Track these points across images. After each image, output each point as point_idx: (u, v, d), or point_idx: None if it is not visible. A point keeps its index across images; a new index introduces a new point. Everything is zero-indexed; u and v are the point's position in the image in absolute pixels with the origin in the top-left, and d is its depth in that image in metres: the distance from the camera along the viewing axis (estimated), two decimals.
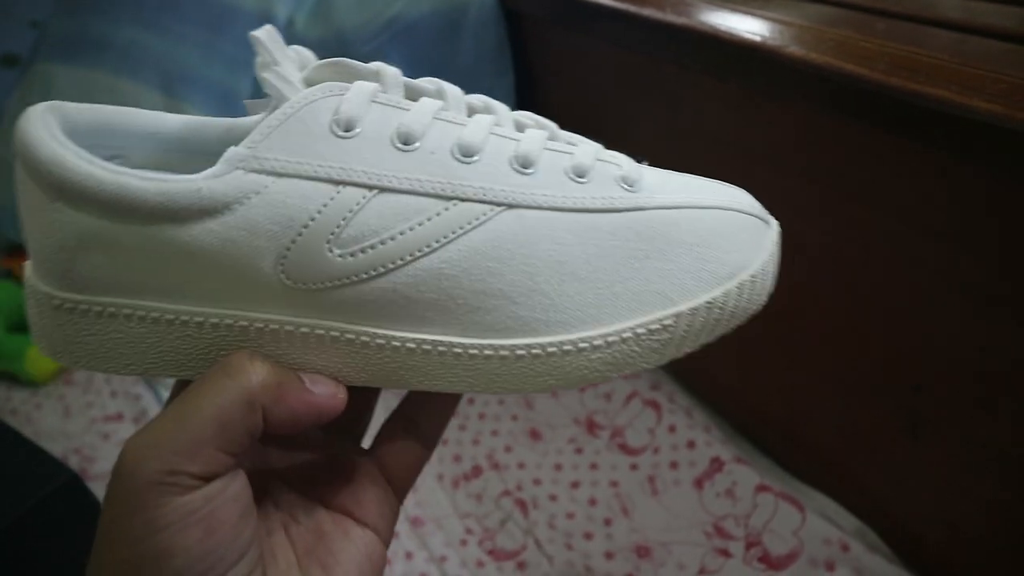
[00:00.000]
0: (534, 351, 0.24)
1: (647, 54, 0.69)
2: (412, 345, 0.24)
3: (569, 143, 0.28)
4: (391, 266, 0.23)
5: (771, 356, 0.72)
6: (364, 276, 0.23)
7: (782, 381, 0.72)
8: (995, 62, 0.49)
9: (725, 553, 0.67)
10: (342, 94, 0.24)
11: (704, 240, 0.26)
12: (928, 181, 0.53)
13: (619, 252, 0.25)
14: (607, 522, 0.71)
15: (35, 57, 0.95)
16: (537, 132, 0.27)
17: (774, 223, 0.31)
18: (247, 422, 0.23)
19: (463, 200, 0.24)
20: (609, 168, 0.27)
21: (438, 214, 0.23)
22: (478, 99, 0.28)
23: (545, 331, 0.24)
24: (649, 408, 0.80)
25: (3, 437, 0.61)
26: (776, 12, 0.61)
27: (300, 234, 0.23)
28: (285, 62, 0.26)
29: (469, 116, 0.26)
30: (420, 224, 0.23)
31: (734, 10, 0.62)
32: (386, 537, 0.28)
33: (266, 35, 0.26)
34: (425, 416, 0.29)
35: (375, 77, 0.26)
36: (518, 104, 0.89)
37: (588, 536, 0.70)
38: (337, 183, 0.23)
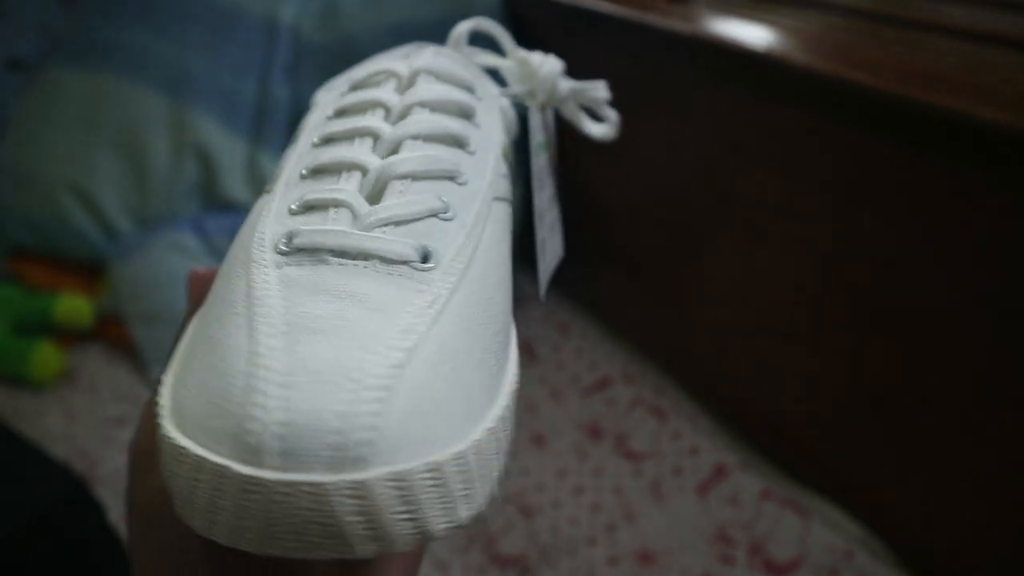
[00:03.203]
0: None
1: (654, 62, 0.69)
2: None
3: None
4: None
5: (775, 363, 0.72)
6: None
7: (787, 388, 0.72)
8: (1002, 70, 0.49)
9: (729, 559, 0.67)
10: None
11: None
12: (935, 189, 0.53)
13: None
14: (610, 528, 0.71)
15: (42, 61, 0.95)
16: None
17: None
18: None
19: None
20: None
21: None
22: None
23: None
24: (653, 414, 0.80)
25: (7, 440, 0.61)
26: (782, 19, 0.61)
27: None
28: None
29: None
30: None
31: (740, 18, 0.62)
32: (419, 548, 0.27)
33: None
34: None
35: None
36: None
37: (591, 542, 0.70)
38: None
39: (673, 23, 0.63)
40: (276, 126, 0.92)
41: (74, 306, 0.87)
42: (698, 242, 0.76)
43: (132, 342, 0.87)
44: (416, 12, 0.88)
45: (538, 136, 0.30)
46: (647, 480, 0.75)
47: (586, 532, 0.71)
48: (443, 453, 0.15)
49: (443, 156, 0.22)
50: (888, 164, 0.55)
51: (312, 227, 0.19)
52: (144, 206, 0.91)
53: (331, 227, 0.19)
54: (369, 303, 0.17)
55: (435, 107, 0.24)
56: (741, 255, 0.71)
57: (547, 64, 0.32)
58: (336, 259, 0.18)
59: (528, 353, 0.91)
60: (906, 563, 0.63)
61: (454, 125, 0.23)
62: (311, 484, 0.14)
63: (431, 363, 0.16)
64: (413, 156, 0.22)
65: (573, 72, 0.33)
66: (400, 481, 0.14)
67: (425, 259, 0.19)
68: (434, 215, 0.20)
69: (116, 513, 0.70)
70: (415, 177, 0.21)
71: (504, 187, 0.25)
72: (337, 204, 0.20)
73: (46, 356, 0.84)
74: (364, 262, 0.18)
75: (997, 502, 0.56)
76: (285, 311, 0.17)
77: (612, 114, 0.35)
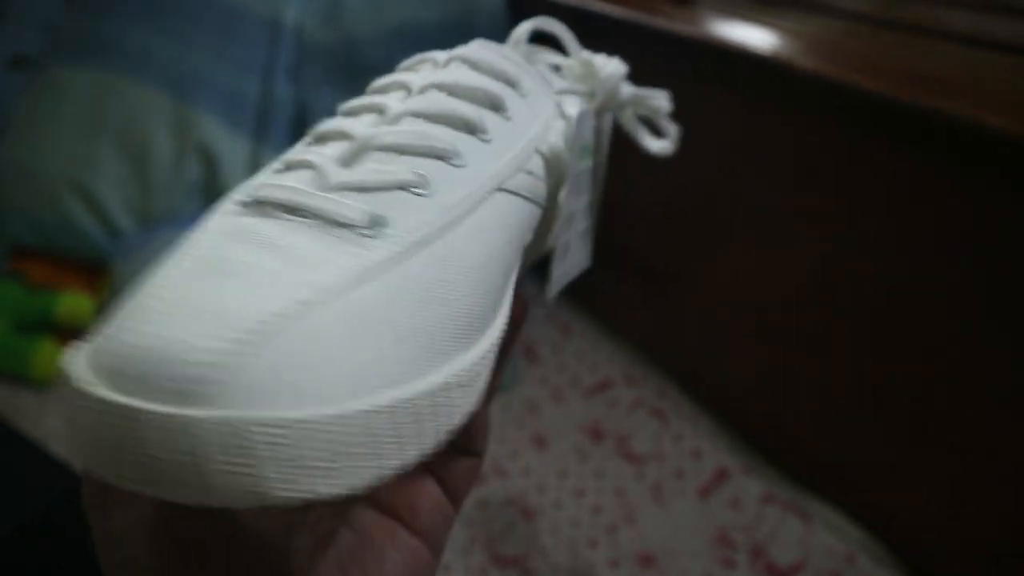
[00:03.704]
0: None
1: (658, 64, 0.69)
2: None
3: None
4: None
5: (779, 366, 0.72)
6: None
7: (789, 391, 0.72)
8: (1006, 76, 0.49)
9: (730, 563, 0.67)
10: None
11: None
12: (938, 193, 0.53)
13: None
14: (612, 530, 0.71)
15: (45, 59, 0.95)
16: None
17: None
18: None
19: None
20: None
21: None
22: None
23: None
24: (655, 416, 0.80)
25: (9, 439, 0.61)
26: (786, 24, 0.61)
27: None
28: None
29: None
30: None
31: (744, 21, 0.62)
32: (436, 548, 0.27)
33: None
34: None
35: None
36: None
37: (593, 544, 0.70)
38: None
39: (677, 26, 0.63)
40: (279, 126, 0.92)
41: (76, 304, 0.87)
42: (701, 244, 0.76)
43: None
44: (420, 13, 0.88)
45: (585, 139, 0.29)
46: (648, 482, 0.75)
47: (587, 534, 0.71)
48: (296, 413, 0.14)
49: (440, 136, 0.22)
50: (891, 168, 0.55)
51: (273, 183, 0.20)
52: (146, 205, 0.91)
53: (288, 183, 0.19)
54: (292, 256, 0.17)
55: (453, 91, 0.24)
56: (744, 257, 0.71)
57: (610, 65, 0.31)
58: (285, 214, 0.19)
59: (529, 354, 0.91)
60: (908, 567, 0.63)
61: (468, 111, 0.23)
62: (153, 414, 0.13)
63: (326, 322, 0.16)
64: (400, 130, 0.22)
65: None
66: (232, 428, 0.14)
67: (374, 226, 0.19)
68: (404, 188, 0.20)
69: None
70: (399, 150, 0.21)
71: (526, 184, 0.25)
72: (308, 165, 0.21)
73: (47, 355, 0.84)
74: (310, 220, 0.18)
75: (999, 507, 0.56)
76: (207, 252, 0.17)
77: (672, 128, 0.35)
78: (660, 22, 0.64)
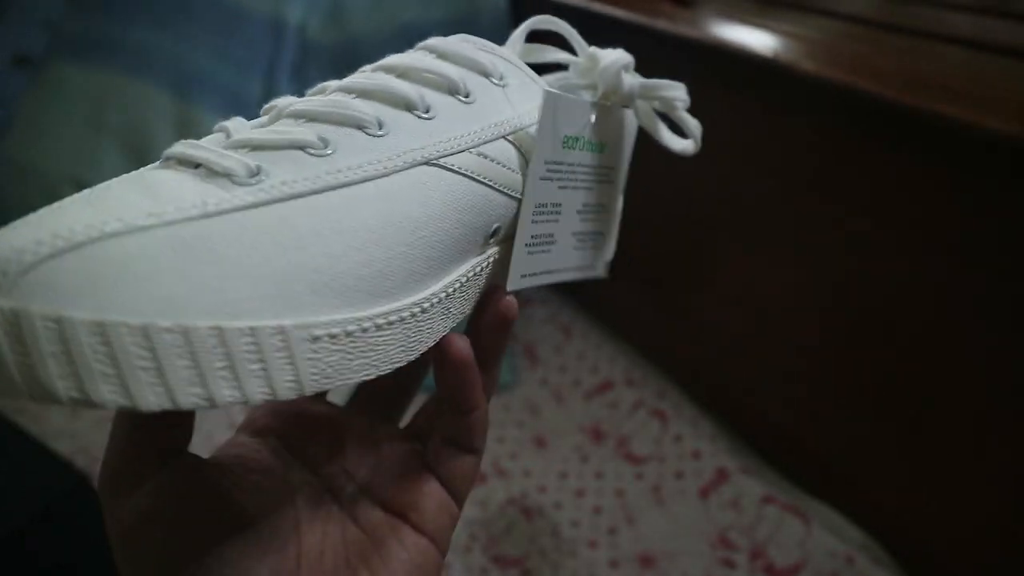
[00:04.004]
0: None
1: (659, 66, 0.69)
2: None
3: None
4: None
5: (778, 367, 0.72)
6: None
7: (789, 392, 0.72)
8: (1007, 80, 0.50)
9: (730, 564, 0.67)
10: None
11: None
12: (939, 197, 0.54)
13: None
14: (612, 531, 0.71)
15: (47, 58, 0.95)
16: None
17: None
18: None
19: None
20: None
21: None
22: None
23: None
24: (655, 417, 0.80)
25: (11, 436, 0.61)
26: (789, 26, 0.61)
27: None
28: None
29: None
30: None
31: (746, 24, 0.62)
32: (443, 546, 0.28)
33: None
34: (466, 426, 0.28)
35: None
36: None
37: (593, 544, 0.70)
38: None
39: (678, 27, 0.64)
40: None
41: None
42: (702, 246, 0.76)
43: None
44: (422, 14, 0.88)
45: (567, 128, 0.28)
46: (648, 483, 0.75)
47: (587, 534, 0.71)
48: (80, 313, 0.15)
49: (359, 108, 0.23)
50: (891, 170, 0.56)
51: (185, 142, 0.21)
52: None
53: (195, 142, 0.22)
54: (156, 193, 0.19)
55: (402, 72, 0.26)
56: (745, 260, 0.71)
57: (611, 55, 0.31)
58: (180, 166, 0.20)
59: (530, 355, 0.91)
60: (907, 568, 0.63)
61: (406, 89, 0.24)
62: None
63: (146, 244, 0.17)
64: (315, 99, 0.24)
65: None
66: (16, 318, 0.15)
67: (251, 176, 0.20)
68: (299, 147, 0.22)
69: None
70: (309, 117, 0.23)
71: (477, 166, 0.25)
72: (222, 128, 0.23)
73: None
74: (194, 169, 0.20)
75: (999, 508, 0.56)
76: (95, 190, 0.19)
77: (692, 123, 0.33)
78: (661, 24, 0.64)
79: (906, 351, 0.59)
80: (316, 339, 0.19)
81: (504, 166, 0.26)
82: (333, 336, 0.20)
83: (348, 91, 0.25)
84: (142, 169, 0.21)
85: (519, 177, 0.27)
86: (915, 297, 0.57)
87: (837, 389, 0.66)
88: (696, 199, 0.74)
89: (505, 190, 0.27)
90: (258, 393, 0.18)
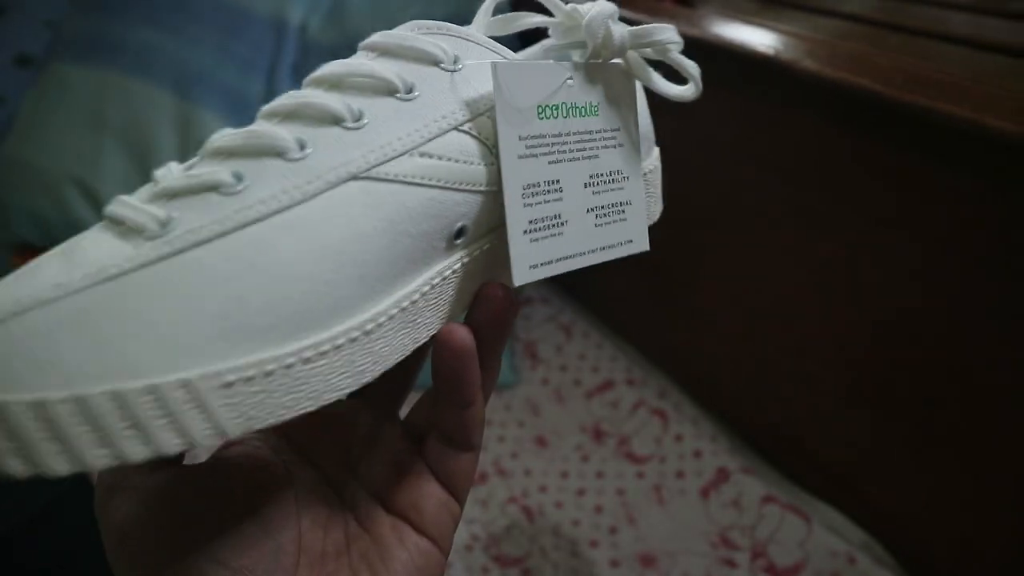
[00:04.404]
0: None
1: (662, 65, 0.69)
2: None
3: None
4: None
5: (779, 367, 0.72)
6: None
7: (790, 392, 0.72)
8: (1005, 78, 0.50)
9: (730, 563, 0.67)
10: None
11: None
12: (938, 195, 0.54)
13: None
14: (612, 530, 0.71)
15: (49, 57, 0.95)
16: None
17: None
18: None
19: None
20: None
21: None
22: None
23: None
24: (656, 417, 0.80)
25: None
26: (789, 25, 0.61)
27: None
28: None
29: None
30: None
31: (746, 22, 0.62)
32: (445, 546, 0.27)
33: None
34: (461, 423, 0.28)
35: None
36: None
37: (593, 544, 0.70)
38: None
39: (679, 27, 0.63)
40: None
41: None
42: (702, 245, 0.76)
43: None
44: (424, 12, 0.88)
45: (536, 97, 0.26)
46: (649, 483, 0.75)
47: (588, 534, 0.71)
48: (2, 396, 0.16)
49: (278, 133, 0.22)
50: (891, 169, 0.56)
51: (120, 198, 0.22)
52: None
53: (124, 198, 0.21)
54: (70, 258, 0.20)
55: (334, 83, 0.24)
56: (745, 259, 0.71)
57: (594, 7, 0.28)
58: (111, 223, 0.21)
59: (531, 355, 0.91)
60: (908, 568, 0.63)
61: (333, 102, 0.23)
62: None
63: (54, 318, 0.18)
64: (232, 132, 0.23)
65: None
66: None
67: (162, 228, 0.20)
68: (212, 189, 0.21)
69: None
70: (228, 153, 0.22)
71: (422, 168, 0.24)
72: (153, 177, 0.23)
73: None
74: (118, 227, 0.21)
75: (999, 507, 0.56)
76: (23, 268, 0.20)
77: (689, 65, 0.30)
78: (662, 23, 0.64)
79: (907, 350, 0.59)
80: (229, 385, 0.19)
81: (458, 161, 0.25)
82: (249, 379, 0.19)
83: (272, 115, 0.24)
84: (85, 231, 0.22)
85: (481, 168, 0.25)
86: (916, 295, 0.57)
87: (838, 389, 0.66)
88: (697, 198, 0.74)
89: (463, 187, 0.25)
90: (173, 445, 0.18)
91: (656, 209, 0.34)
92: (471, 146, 0.25)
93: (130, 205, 0.21)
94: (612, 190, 0.29)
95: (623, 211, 0.30)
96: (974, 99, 0.47)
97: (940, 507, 0.61)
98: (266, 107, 0.24)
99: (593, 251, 0.28)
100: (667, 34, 0.29)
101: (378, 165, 0.23)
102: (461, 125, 0.25)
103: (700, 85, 0.31)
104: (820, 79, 0.54)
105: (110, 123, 0.91)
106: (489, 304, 0.26)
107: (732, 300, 0.74)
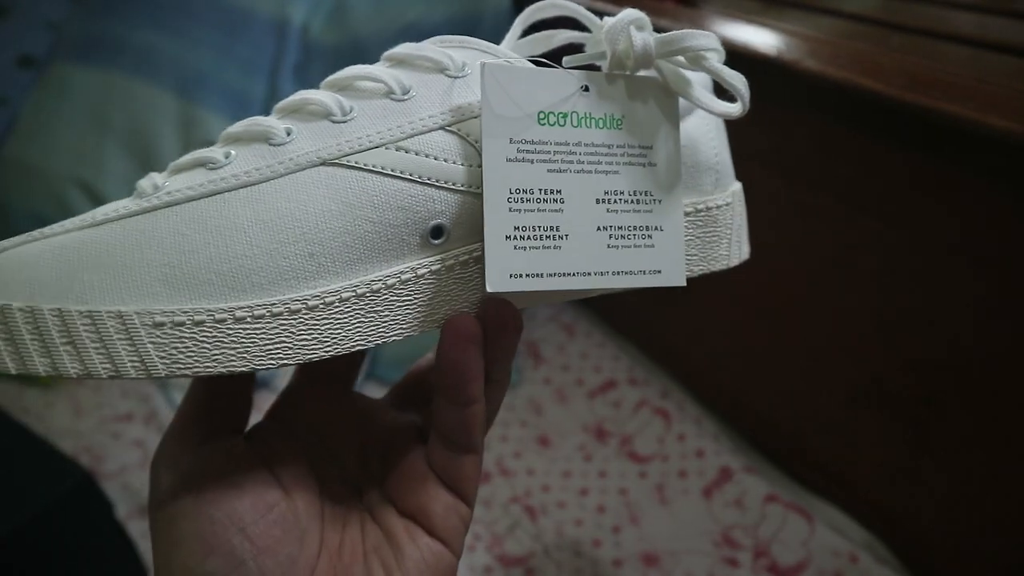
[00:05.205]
0: None
1: None
2: None
3: None
4: None
5: (781, 366, 0.72)
6: None
7: (792, 391, 0.72)
8: (1010, 78, 0.49)
9: (733, 562, 0.67)
10: None
11: None
12: (942, 195, 0.54)
13: None
14: (615, 530, 0.71)
15: (51, 58, 0.95)
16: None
17: None
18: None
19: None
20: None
21: None
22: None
23: None
24: (658, 416, 0.80)
25: (16, 435, 0.61)
26: (792, 25, 0.61)
27: None
28: None
29: None
30: None
31: (749, 22, 0.62)
32: (455, 548, 0.27)
33: None
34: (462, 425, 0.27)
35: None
36: None
37: (596, 543, 0.70)
38: None
39: (682, 27, 0.64)
40: None
41: None
42: None
43: None
44: (426, 14, 0.88)
45: (538, 102, 0.25)
46: (652, 482, 0.75)
47: (591, 533, 0.71)
48: None
49: (272, 123, 0.25)
50: (894, 169, 0.56)
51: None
52: None
53: (151, 173, 0.25)
54: (90, 212, 0.24)
55: (343, 85, 0.26)
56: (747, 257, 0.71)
57: (618, 15, 0.26)
58: (134, 192, 0.24)
59: (533, 354, 0.91)
60: (910, 567, 0.63)
61: (325, 99, 0.25)
62: None
63: (47, 248, 0.22)
64: (239, 123, 0.25)
65: None
66: None
67: (154, 192, 0.24)
68: (201, 165, 0.24)
69: (122, 508, 0.70)
70: (233, 139, 0.25)
71: (397, 161, 0.24)
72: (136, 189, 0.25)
73: None
74: (133, 192, 0.24)
75: (1001, 507, 0.56)
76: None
77: (734, 77, 0.27)
78: (665, 23, 0.65)
79: (909, 350, 0.59)
80: (159, 325, 0.21)
81: (436, 158, 0.25)
82: (179, 324, 0.22)
83: (279, 110, 0.26)
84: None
85: (461, 168, 0.25)
86: (918, 295, 0.57)
87: (840, 388, 0.66)
88: None
89: (438, 183, 0.25)
90: (101, 369, 0.21)
91: (738, 251, 0.32)
92: (455, 146, 0.25)
93: (149, 176, 0.24)
94: (635, 211, 0.27)
95: (649, 236, 0.28)
96: (978, 99, 0.47)
97: (942, 506, 0.61)
98: (278, 104, 0.26)
99: (603, 273, 0.27)
100: (701, 40, 0.26)
101: (351, 154, 0.24)
102: (449, 125, 0.25)
103: (747, 101, 0.28)
104: (823, 79, 0.54)
105: (112, 124, 0.91)
106: (492, 311, 0.26)
107: (734, 300, 0.74)
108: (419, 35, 0.28)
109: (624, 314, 0.91)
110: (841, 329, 0.65)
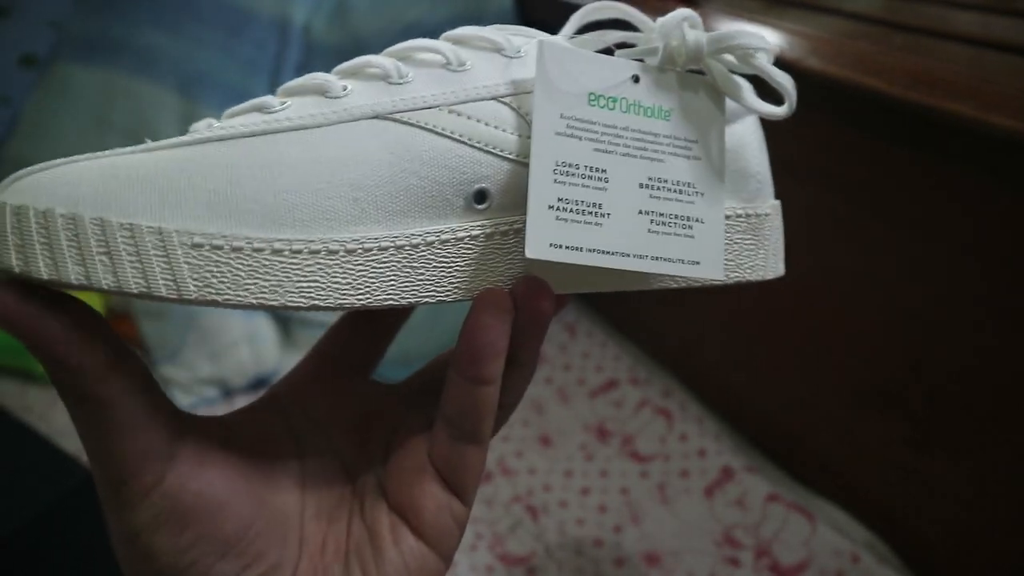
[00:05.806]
0: None
1: None
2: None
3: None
4: None
5: (783, 366, 0.72)
6: None
7: (793, 391, 0.72)
8: (1013, 77, 0.49)
9: (734, 562, 0.67)
10: None
11: None
12: (944, 194, 0.53)
13: None
14: (617, 529, 0.71)
15: (54, 58, 0.96)
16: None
17: None
18: None
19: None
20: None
21: None
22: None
23: None
24: (660, 416, 0.80)
25: (18, 435, 0.61)
26: (794, 24, 0.61)
27: None
28: None
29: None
30: None
31: (752, 22, 0.62)
32: (444, 551, 0.26)
33: None
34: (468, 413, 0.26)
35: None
36: None
37: (598, 543, 0.70)
38: None
39: None
40: None
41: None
42: None
43: (140, 338, 0.88)
44: (428, 14, 0.88)
45: (590, 84, 0.26)
46: (654, 482, 0.75)
47: (593, 533, 0.71)
48: (13, 199, 0.21)
49: (330, 79, 0.26)
50: (896, 168, 0.56)
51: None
52: None
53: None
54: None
55: (404, 55, 0.27)
56: None
57: (675, 11, 0.27)
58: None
59: None
60: (912, 567, 0.63)
61: (384, 63, 0.26)
62: None
63: (96, 165, 0.22)
64: (299, 77, 0.26)
65: None
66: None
67: (209, 128, 0.24)
68: (259, 109, 0.25)
69: None
70: (289, 92, 0.26)
71: (451, 123, 0.25)
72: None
73: None
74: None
75: (1003, 506, 0.56)
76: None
77: (782, 77, 0.28)
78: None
79: (910, 348, 0.59)
80: (196, 246, 0.22)
81: (488, 124, 0.25)
82: (217, 247, 0.22)
83: (338, 71, 0.27)
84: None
85: (512, 137, 0.26)
86: (919, 294, 0.57)
87: (842, 386, 0.66)
88: None
89: (486, 147, 0.25)
90: (133, 283, 0.21)
91: (775, 265, 0.32)
92: (507, 116, 0.26)
93: (205, 120, 0.25)
94: (677, 200, 0.28)
95: (690, 227, 0.28)
96: (981, 98, 0.47)
97: (944, 506, 0.61)
98: (337, 67, 0.27)
99: (641, 256, 0.27)
100: (751, 39, 0.27)
101: (404, 111, 0.25)
102: (502, 97, 0.26)
103: (795, 101, 0.28)
104: (825, 78, 0.54)
105: (114, 123, 0.91)
106: (531, 281, 0.25)
107: (736, 299, 0.74)
108: (420, 35, 0.29)
109: (626, 314, 0.91)
110: (842, 328, 0.65)
